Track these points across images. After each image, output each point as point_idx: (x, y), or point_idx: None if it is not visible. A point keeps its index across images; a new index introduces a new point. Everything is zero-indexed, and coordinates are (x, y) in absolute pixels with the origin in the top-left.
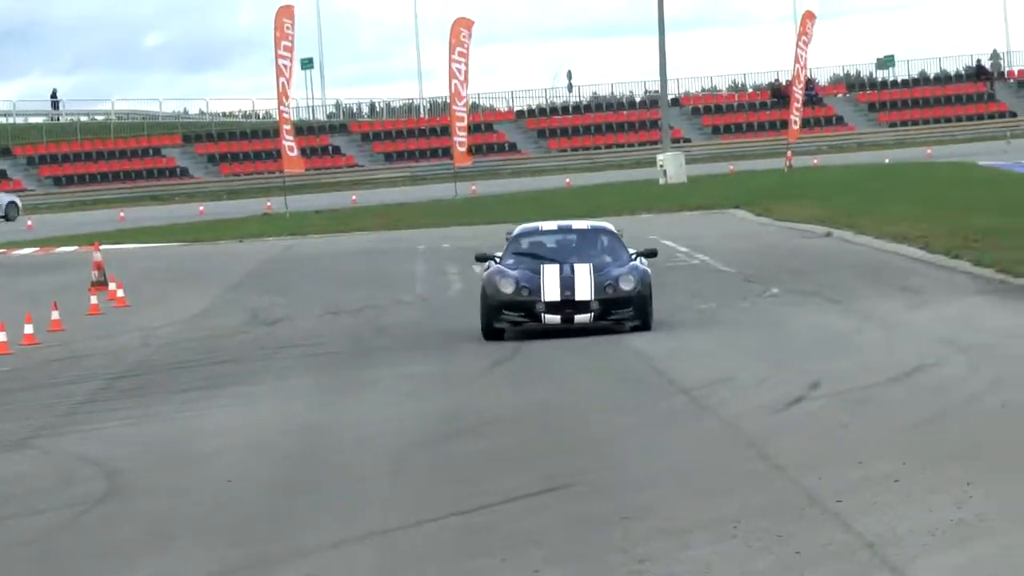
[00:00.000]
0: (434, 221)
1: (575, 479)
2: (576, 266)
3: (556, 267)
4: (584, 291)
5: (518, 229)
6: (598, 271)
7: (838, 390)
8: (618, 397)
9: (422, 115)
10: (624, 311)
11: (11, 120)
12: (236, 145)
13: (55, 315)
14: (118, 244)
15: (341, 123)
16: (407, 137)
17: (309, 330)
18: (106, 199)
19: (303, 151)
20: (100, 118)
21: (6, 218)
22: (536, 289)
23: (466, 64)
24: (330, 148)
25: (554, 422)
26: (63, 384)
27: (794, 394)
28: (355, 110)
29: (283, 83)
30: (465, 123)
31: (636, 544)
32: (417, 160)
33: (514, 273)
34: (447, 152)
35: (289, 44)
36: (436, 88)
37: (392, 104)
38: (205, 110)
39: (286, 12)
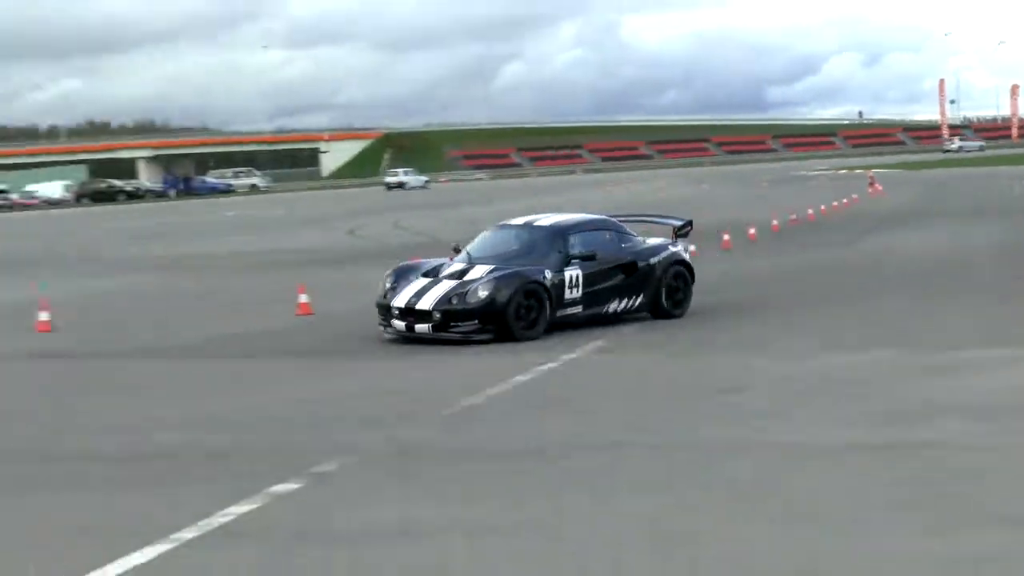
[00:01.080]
0: None
1: (770, 297)
2: (476, 267)
3: (456, 268)
4: (428, 301)
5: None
6: (489, 273)
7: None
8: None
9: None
10: (467, 323)
11: (584, 124)
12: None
13: None
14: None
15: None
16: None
17: None
18: (653, 166)
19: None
20: (650, 124)
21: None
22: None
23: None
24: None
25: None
26: None
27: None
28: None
29: None
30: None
31: (788, 313)
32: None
33: (398, 272)
34: None
35: None
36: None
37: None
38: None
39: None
